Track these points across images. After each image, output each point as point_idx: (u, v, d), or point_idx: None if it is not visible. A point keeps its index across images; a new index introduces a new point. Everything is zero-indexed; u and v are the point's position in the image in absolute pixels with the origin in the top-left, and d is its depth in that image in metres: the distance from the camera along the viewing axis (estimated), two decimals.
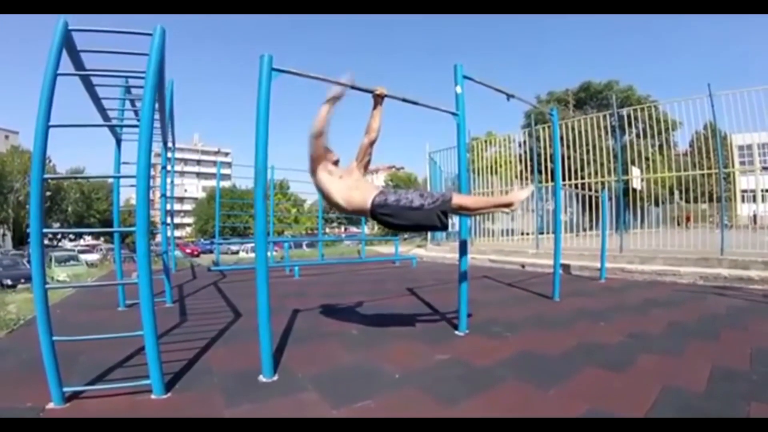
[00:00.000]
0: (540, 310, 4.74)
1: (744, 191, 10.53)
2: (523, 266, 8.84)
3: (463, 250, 3.95)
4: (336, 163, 3.13)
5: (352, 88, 3.10)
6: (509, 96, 4.05)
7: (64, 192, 45.71)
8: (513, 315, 4.48)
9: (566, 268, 7.75)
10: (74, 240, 50.10)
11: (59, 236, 48.57)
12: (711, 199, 9.73)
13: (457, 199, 2.92)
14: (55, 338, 2.33)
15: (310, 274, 8.65)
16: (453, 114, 3.82)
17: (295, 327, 4.04)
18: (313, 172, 3.04)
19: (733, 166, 9.52)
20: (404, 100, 3.42)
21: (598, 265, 7.11)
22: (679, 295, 5.57)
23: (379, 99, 3.26)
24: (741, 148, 10.33)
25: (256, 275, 2.72)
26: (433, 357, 3.07)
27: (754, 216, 9.08)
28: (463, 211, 3.00)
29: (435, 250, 12.77)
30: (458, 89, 3.78)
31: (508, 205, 2.92)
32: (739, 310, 4.59)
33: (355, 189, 3.00)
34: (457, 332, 3.75)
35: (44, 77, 2.34)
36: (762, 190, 8.43)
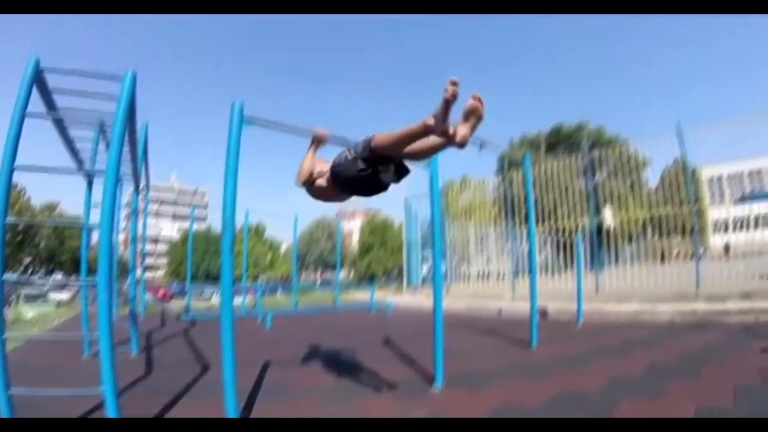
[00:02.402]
0: (519, 358, 4.66)
1: (716, 222, 10.82)
2: (500, 311, 8.78)
3: (438, 297, 3.88)
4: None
5: (342, 142, 3.07)
6: (481, 146, 4.09)
7: (37, 227, 44.35)
8: (491, 364, 4.38)
9: (543, 311, 7.71)
10: (45, 276, 48.27)
11: (30, 271, 46.84)
12: (684, 232, 9.97)
13: (375, 140, 2.32)
14: (11, 392, 2.24)
15: (283, 324, 8.45)
16: (426, 165, 3.84)
17: (266, 381, 3.87)
18: (303, 182, 2.81)
19: (703, 200, 9.79)
20: None
21: (575, 307, 7.09)
22: (658, 334, 5.58)
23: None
24: (711, 180, 10.66)
25: (221, 333, 2.61)
26: (409, 413, 2.94)
27: (726, 246, 9.30)
28: (390, 152, 2.33)
29: (411, 297, 12.67)
30: None
31: (428, 127, 2.04)
32: (718, 345, 4.60)
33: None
34: (434, 386, 3.62)
35: (12, 116, 2.27)
36: (733, 220, 8.65)
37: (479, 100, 1.95)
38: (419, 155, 2.32)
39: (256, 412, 2.98)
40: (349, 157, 2.39)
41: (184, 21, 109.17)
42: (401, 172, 2.49)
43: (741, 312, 6.15)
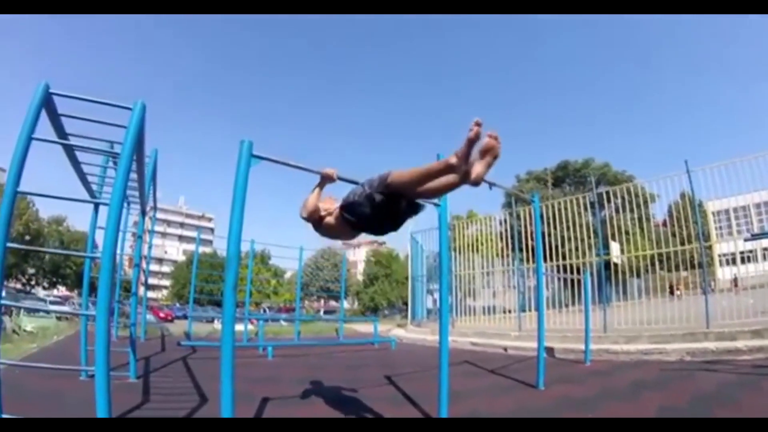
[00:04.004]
0: (524, 400, 4.52)
1: (722, 255, 10.73)
2: (505, 349, 8.61)
3: (444, 336, 3.81)
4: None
5: (356, 183, 3.09)
6: (491, 185, 4.09)
7: (44, 238, 44.54)
8: (496, 407, 4.26)
9: (550, 351, 7.53)
10: (48, 289, 48.24)
11: (32, 283, 46.89)
12: (692, 266, 9.84)
13: (393, 175, 2.29)
14: (5, 416, 2.26)
15: (284, 354, 8.33)
16: (435, 205, 3.81)
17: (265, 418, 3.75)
18: (310, 217, 2.80)
19: (710, 233, 9.71)
20: None
21: (583, 347, 6.93)
22: (668, 375, 5.44)
23: None
24: (716, 213, 10.64)
25: (221, 377, 2.51)
26: None
27: (735, 279, 9.18)
28: (406, 188, 2.29)
29: (415, 332, 12.51)
30: None
31: (450, 166, 2.06)
32: (730, 386, 4.49)
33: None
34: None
35: (17, 141, 2.25)
36: (740, 253, 8.56)
37: (496, 138, 1.98)
38: (433, 193, 2.32)
39: None
40: (365, 193, 2.37)
41: (201, 48, 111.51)
42: (415, 209, 2.47)
43: (751, 350, 6.06)
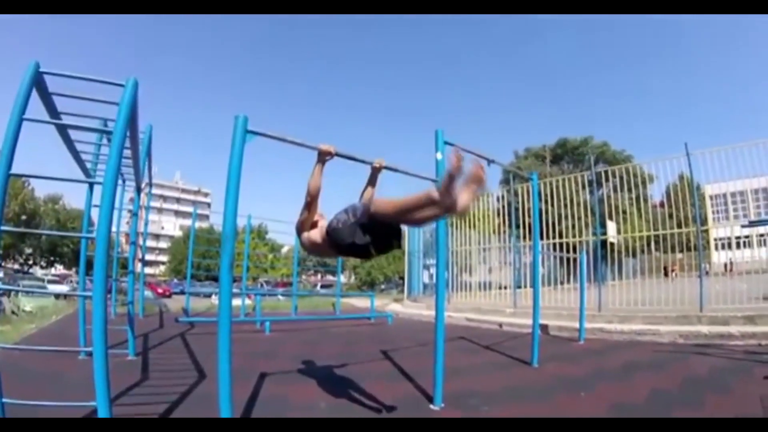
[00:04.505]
0: (519, 378, 4.58)
1: (718, 239, 10.83)
2: (500, 326, 8.71)
3: (439, 310, 3.85)
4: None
5: (354, 159, 3.08)
6: (489, 161, 4.06)
7: (40, 218, 44.57)
8: (491, 384, 4.30)
9: (544, 328, 7.62)
10: (45, 268, 48.52)
11: (30, 262, 47.14)
12: (687, 249, 9.91)
13: (376, 206, 2.34)
14: (5, 401, 2.27)
15: (282, 329, 8.40)
16: (433, 181, 3.78)
17: (261, 395, 3.78)
18: (302, 231, 2.83)
19: (706, 216, 9.74)
20: (389, 169, 3.35)
21: (577, 325, 7.02)
22: (660, 357, 5.51)
23: (377, 170, 3.22)
24: (713, 197, 10.69)
25: (219, 357, 2.55)
26: None
27: (730, 263, 9.25)
28: (389, 219, 2.33)
29: (412, 307, 12.63)
30: (439, 156, 3.75)
31: (434, 200, 2.04)
32: (721, 371, 4.55)
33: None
34: (432, 406, 3.56)
35: (9, 121, 2.21)
36: (735, 238, 8.64)
37: (481, 168, 2.01)
38: (418, 222, 2.33)
39: None
40: (348, 222, 2.40)
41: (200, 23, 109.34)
42: (399, 239, 2.49)
43: (744, 336, 6.13)
